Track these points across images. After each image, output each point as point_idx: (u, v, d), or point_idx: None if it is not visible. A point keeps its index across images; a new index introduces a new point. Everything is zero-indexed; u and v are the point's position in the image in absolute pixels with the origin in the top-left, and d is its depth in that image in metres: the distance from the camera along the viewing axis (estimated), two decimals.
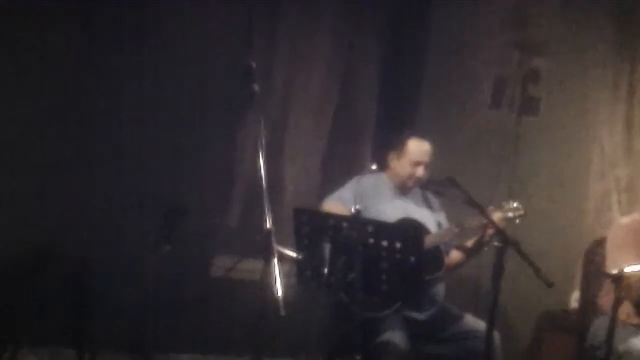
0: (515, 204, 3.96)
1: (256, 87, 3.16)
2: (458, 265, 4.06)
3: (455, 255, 4.03)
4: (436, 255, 3.90)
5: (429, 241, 3.82)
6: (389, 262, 3.29)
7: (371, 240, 3.25)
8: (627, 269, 3.67)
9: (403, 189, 4.05)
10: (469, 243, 3.97)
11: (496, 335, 3.65)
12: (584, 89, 5.09)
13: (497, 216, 3.82)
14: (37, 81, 4.23)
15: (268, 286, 2.82)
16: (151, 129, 4.34)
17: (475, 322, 3.84)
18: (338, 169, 4.56)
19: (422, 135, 4.06)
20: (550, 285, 3.20)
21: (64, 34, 4.24)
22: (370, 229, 3.26)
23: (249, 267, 4.23)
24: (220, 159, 4.47)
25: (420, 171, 3.97)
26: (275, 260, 2.85)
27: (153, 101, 4.33)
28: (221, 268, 4.47)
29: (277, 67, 4.65)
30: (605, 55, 5.11)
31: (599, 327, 4.03)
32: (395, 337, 3.60)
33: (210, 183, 4.42)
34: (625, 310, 3.97)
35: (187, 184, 4.30)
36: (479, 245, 3.90)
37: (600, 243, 4.24)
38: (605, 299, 4.07)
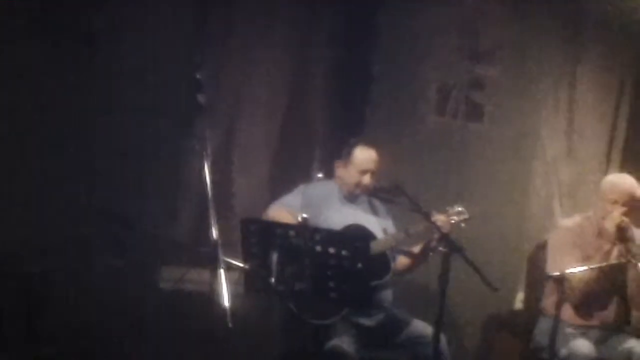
0: (459, 209, 4.02)
1: (202, 99, 3.17)
2: (405, 271, 4.11)
3: (402, 261, 4.08)
4: (383, 261, 3.95)
5: (375, 247, 3.87)
6: (336, 270, 3.31)
7: (318, 248, 3.27)
8: (568, 271, 3.78)
9: (350, 197, 4.10)
10: (416, 249, 4.02)
11: (443, 339, 3.71)
12: (527, 96, 5.18)
13: (441, 221, 3.87)
14: None
15: (216, 297, 2.83)
16: (97, 140, 4.30)
17: (423, 327, 3.89)
18: (287, 178, 4.57)
19: (368, 143, 4.11)
20: (494, 290, 3.27)
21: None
22: (317, 236, 3.28)
23: (198, 278, 4.24)
24: (167, 170, 4.44)
25: (366, 179, 4.02)
26: (222, 272, 2.86)
27: (99, 111, 4.29)
28: (170, 280, 4.45)
29: (226, 75, 4.64)
30: (548, 63, 5.22)
31: (542, 328, 4.13)
32: (344, 343, 3.64)
33: (157, 194, 4.39)
34: (568, 311, 4.08)
35: (133, 195, 4.26)
36: (426, 250, 3.95)
37: (543, 246, 4.35)
38: (549, 300, 4.18)
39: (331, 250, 3.27)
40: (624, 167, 5.03)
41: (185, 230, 4.54)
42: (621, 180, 4.12)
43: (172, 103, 4.31)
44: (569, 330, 4.00)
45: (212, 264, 2.91)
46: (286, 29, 4.80)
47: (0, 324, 4.04)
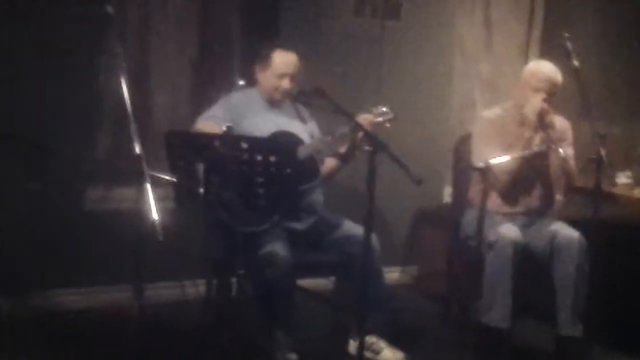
0: (384, 109, 4.00)
1: (110, 9, 3.04)
2: (333, 173, 4.12)
3: (329, 163, 4.08)
4: (311, 164, 3.94)
5: (302, 152, 3.85)
6: (264, 176, 3.29)
7: (245, 156, 3.23)
8: (493, 161, 3.84)
9: (273, 102, 4.04)
10: (342, 150, 4.01)
11: (374, 237, 3.76)
12: None
13: (367, 121, 3.87)
14: None
15: (144, 212, 2.78)
16: (9, 60, 4.10)
17: (353, 227, 3.93)
18: (207, 89, 4.48)
19: (287, 47, 4.04)
20: (418, 182, 3.28)
21: None
22: (243, 145, 3.23)
23: (123, 196, 4.17)
24: (81, 88, 4.28)
25: (285, 83, 3.96)
26: (148, 186, 2.80)
27: (9, 30, 4.08)
28: (94, 200, 4.37)
29: None
30: None
31: (470, 218, 4.22)
32: (277, 248, 3.65)
33: (74, 114, 4.25)
34: (494, 200, 4.16)
35: (49, 116, 4.11)
36: (351, 150, 3.95)
37: (466, 138, 4.39)
38: (474, 190, 4.26)
39: (258, 157, 3.24)
40: (543, 55, 5.10)
41: (106, 148, 4.43)
42: (541, 67, 4.15)
43: (78, 15, 4.11)
44: (496, 218, 4.09)
45: (137, 180, 2.85)
46: None
47: None
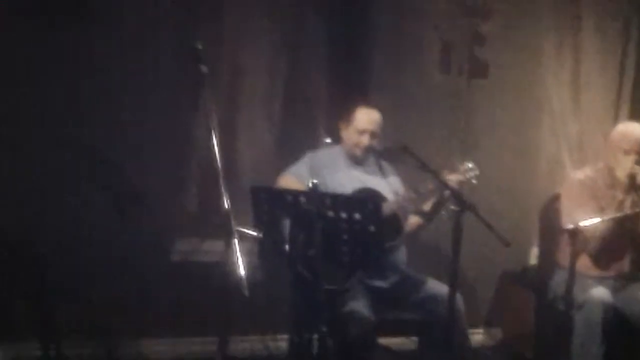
0: (469, 165, 4.00)
1: (204, 69, 3.15)
2: (417, 230, 4.10)
3: (413, 221, 4.07)
4: (395, 222, 3.94)
5: (386, 209, 3.85)
6: (348, 234, 3.30)
7: (330, 213, 3.26)
8: (583, 223, 3.76)
9: (357, 159, 4.07)
10: (426, 207, 4.00)
11: (459, 298, 3.71)
12: (530, 49, 5.12)
13: (452, 178, 3.86)
14: None
15: (230, 267, 2.83)
16: (103, 113, 4.26)
17: (438, 287, 3.89)
18: (293, 145, 4.54)
19: (369, 103, 4.10)
20: (507, 244, 3.25)
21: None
22: (328, 201, 3.27)
23: (210, 248, 4.24)
24: (173, 142, 4.41)
25: (365, 139, 4.00)
26: (236, 241, 2.85)
27: (103, 84, 4.25)
28: (182, 252, 4.45)
29: (224, 47, 4.58)
30: (549, 14, 5.16)
31: (558, 280, 4.13)
32: (359, 306, 3.64)
33: (165, 167, 4.37)
34: (583, 262, 4.07)
35: (141, 168, 4.23)
36: (436, 208, 3.94)
37: (554, 199, 4.33)
38: (563, 252, 4.16)
39: (343, 214, 3.26)
40: (633, 116, 5.00)
41: (194, 201, 4.52)
42: (631, 129, 4.09)
43: (176, 75, 4.26)
44: (586, 280, 3.99)
45: (225, 235, 2.91)
46: None
47: (11, 304, 4.04)
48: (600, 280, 4.05)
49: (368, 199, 3.81)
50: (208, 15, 4.54)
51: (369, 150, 4.01)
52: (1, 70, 4.10)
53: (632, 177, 3.94)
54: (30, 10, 4.12)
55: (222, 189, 2.97)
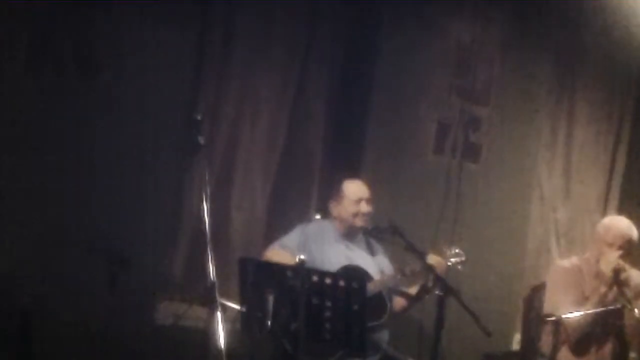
0: (456, 250, 4.04)
1: (202, 140, 3.21)
2: (401, 311, 4.11)
3: (398, 302, 4.09)
4: (379, 301, 3.95)
5: (372, 287, 3.86)
6: (332, 311, 3.32)
7: (315, 289, 3.28)
8: (564, 315, 3.77)
9: (347, 235, 4.11)
10: (412, 290, 4.02)
11: None
12: (523, 135, 5.22)
13: (438, 262, 3.89)
14: None
15: (213, 335, 2.85)
16: (97, 174, 4.31)
17: None
18: (284, 215, 4.59)
19: (354, 176, 4.20)
20: (488, 334, 3.27)
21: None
22: (314, 278, 3.29)
23: (195, 314, 4.23)
24: (164, 207, 4.45)
25: (364, 206, 4.05)
26: (219, 313, 2.87)
27: (98, 147, 4.31)
28: (166, 315, 4.44)
29: (224, 112, 4.67)
30: (544, 101, 5.27)
31: None
32: None
33: (154, 231, 4.40)
34: (565, 353, 4.07)
35: (130, 231, 4.25)
36: (422, 292, 3.95)
37: (539, 288, 4.34)
38: (545, 340, 4.16)
39: (327, 291, 3.28)
40: (622, 208, 5.07)
41: (181, 265, 4.54)
42: (617, 224, 4.12)
43: (171, 142, 4.32)
44: None
45: (209, 303, 2.93)
46: (284, 67, 4.82)
47: None
48: None
49: (353, 278, 3.82)
50: (210, 76, 4.61)
51: (368, 216, 4.04)
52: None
53: (616, 271, 3.96)
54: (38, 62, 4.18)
55: (209, 259, 3.00)
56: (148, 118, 4.39)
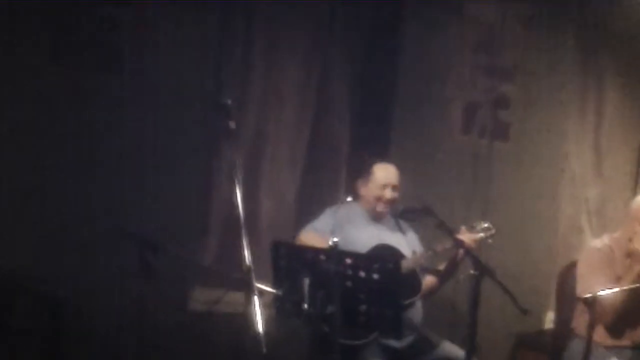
0: (485, 225, 4.04)
1: (233, 125, 3.21)
2: (434, 289, 4.11)
3: (430, 280, 4.08)
4: (413, 279, 3.95)
5: (404, 266, 3.86)
6: (367, 293, 3.32)
7: (349, 272, 3.28)
8: (600, 293, 3.75)
9: (376, 216, 4.11)
10: (443, 266, 4.02)
11: None
12: (552, 113, 5.18)
13: (468, 237, 3.89)
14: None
15: (250, 321, 2.85)
16: (126, 162, 4.33)
17: (453, 349, 3.88)
18: (313, 199, 4.59)
19: (386, 159, 4.16)
20: (524, 312, 3.26)
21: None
22: (347, 260, 3.29)
23: (230, 299, 4.24)
24: (196, 193, 4.47)
25: (388, 193, 4.04)
26: (256, 298, 2.88)
27: (127, 133, 4.33)
28: (200, 301, 4.46)
29: (250, 99, 4.66)
30: (572, 78, 5.22)
31: (574, 349, 4.10)
32: None
33: (187, 216, 4.42)
34: (599, 332, 4.04)
35: (161, 217, 4.27)
36: (452, 267, 3.96)
37: (572, 266, 4.31)
38: (579, 320, 4.15)
39: (362, 273, 3.28)
40: None
41: (214, 251, 4.55)
42: None
43: (201, 127, 4.33)
44: (601, 350, 3.97)
45: (245, 289, 2.93)
46: (308, 52, 4.81)
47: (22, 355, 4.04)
48: (616, 351, 4.01)
49: (387, 257, 3.83)
50: (235, 66, 4.61)
51: (392, 203, 4.04)
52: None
53: None
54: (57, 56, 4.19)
55: (244, 243, 3.00)
56: (176, 105, 4.41)
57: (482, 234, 4.00)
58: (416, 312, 3.99)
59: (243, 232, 3.00)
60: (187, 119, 4.42)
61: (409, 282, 3.91)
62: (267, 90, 4.73)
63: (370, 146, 4.79)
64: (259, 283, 3.01)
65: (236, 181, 3.08)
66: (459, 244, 3.76)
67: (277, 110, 4.75)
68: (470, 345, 3.36)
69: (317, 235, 3.90)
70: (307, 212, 4.32)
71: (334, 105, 4.86)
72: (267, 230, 4.61)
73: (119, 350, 4.15)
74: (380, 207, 4.07)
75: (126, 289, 4.19)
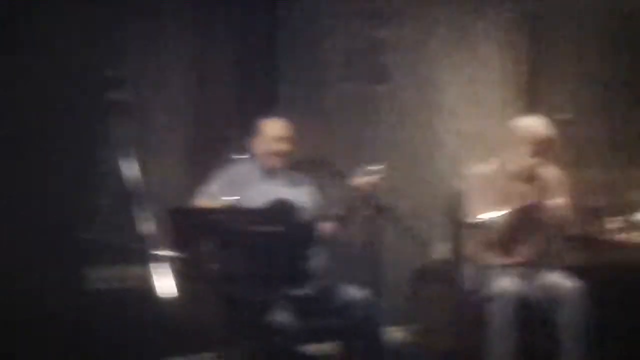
0: (376, 167, 4.11)
1: (114, 96, 3.16)
2: (334, 237, 4.18)
3: (330, 226, 4.15)
4: (310, 230, 4.01)
5: (303, 216, 3.93)
6: (268, 246, 3.37)
7: (247, 228, 3.31)
8: (485, 217, 3.91)
9: (269, 172, 4.14)
10: (341, 212, 4.09)
11: (377, 301, 3.82)
12: (429, 52, 5.35)
13: (363, 181, 3.97)
14: None
15: (150, 290, 2.85)
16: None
17: (356, 292, 3.98)
18: (205, 164, 4.57)
19: (278, 115, 4.19)
20: (424, 245, 3.35)
21: None
22: (245, 217, 3.33)
23: (129, 274, 4.21)
24: (80, 171, 4.37)
25: (278, 145, 4.08)
26: (155, 265, 2.88)
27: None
28: (97, 280, 4.38)
29: (132, 69, 4.57)
30: (447, 16, 5.37)
31: (469, 274, 4.28)
32: (281, 316, 3.69)
33: (75, 193, 4.32)
34: (492, 254, 4.23)
35: (49, 195, 4.17)
36: (351, 212, 4.04)
37: (458, 194, 4.45)
38: (471, 246, 4.32)
39: (260, 228, 3.32)
40: (530, 112, 5.21)
41: (108, 226, 4.48)
42: (529, 122, 4.25)
43: (82, 100, 4.22)
44: (495, 271, 4.14)
45: (141, 259, 2.93)
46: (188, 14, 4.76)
47: None
48: (509, 271, 4.18)
49: (283, 211, 3.88)
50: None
51: (284, 155, 4.08)
52: None
53: (530, 168, 4.12)
54: None
55: (135, 214, 2.99)
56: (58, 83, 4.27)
57: (375, 176, 4.08)
58: (317, 259, 4.06)
59: (134, 201, 2.98)
60: (69, 93, 4.29)
61: (306, 234, 3.97)
62: (147, 60, 4.65)
63: (257, 105, 4.80)
64: (155, 251, 3.00)
65: (122, 150, 3.06)
66: (355, 188, 3.84)
67: (160, 78, 4.69)
68: (373, 284, 3.45)
69: (209, 200, 3.90)
70: (200, 176, 4.30)
71: (216, 68, 4.83)
72: (159, 200, 4.56)
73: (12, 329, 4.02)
74: (273, 161, 4.11)
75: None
